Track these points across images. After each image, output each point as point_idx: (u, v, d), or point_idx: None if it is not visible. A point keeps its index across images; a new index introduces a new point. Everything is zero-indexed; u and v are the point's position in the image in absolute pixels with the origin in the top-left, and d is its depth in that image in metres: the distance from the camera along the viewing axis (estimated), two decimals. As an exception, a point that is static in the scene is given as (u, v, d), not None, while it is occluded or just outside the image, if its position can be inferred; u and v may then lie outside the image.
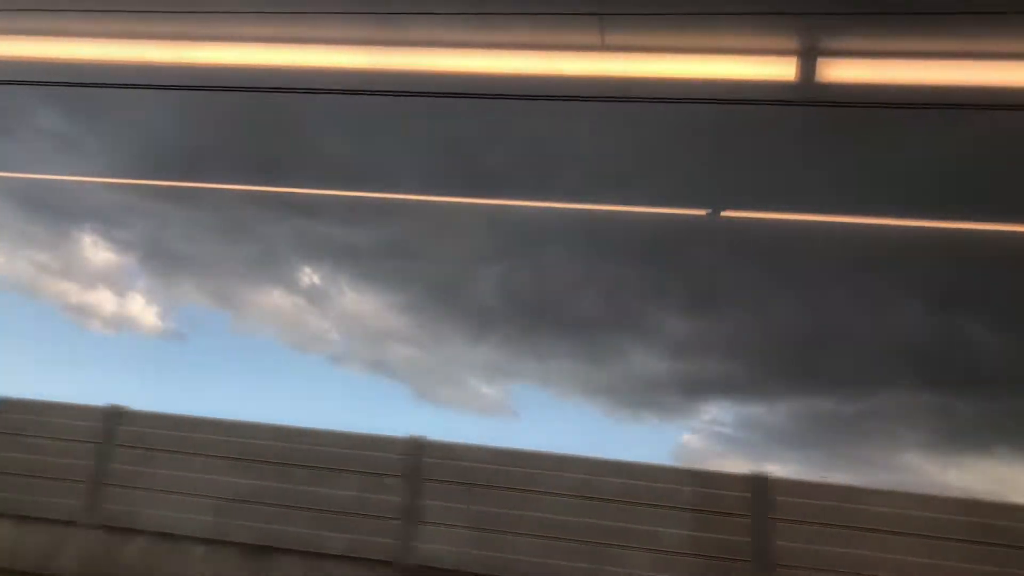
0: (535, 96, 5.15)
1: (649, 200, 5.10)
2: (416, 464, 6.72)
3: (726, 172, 6.00)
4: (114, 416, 7.32)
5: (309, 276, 15.22)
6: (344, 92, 5.11)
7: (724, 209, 4.92)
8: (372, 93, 4.83)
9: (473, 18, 4.99)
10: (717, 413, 16.25)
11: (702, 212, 4.98)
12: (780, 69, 4.74)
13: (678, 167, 6.16)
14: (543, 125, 6.31)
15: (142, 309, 16.46)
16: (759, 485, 6.26)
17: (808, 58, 4.62)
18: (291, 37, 5.28)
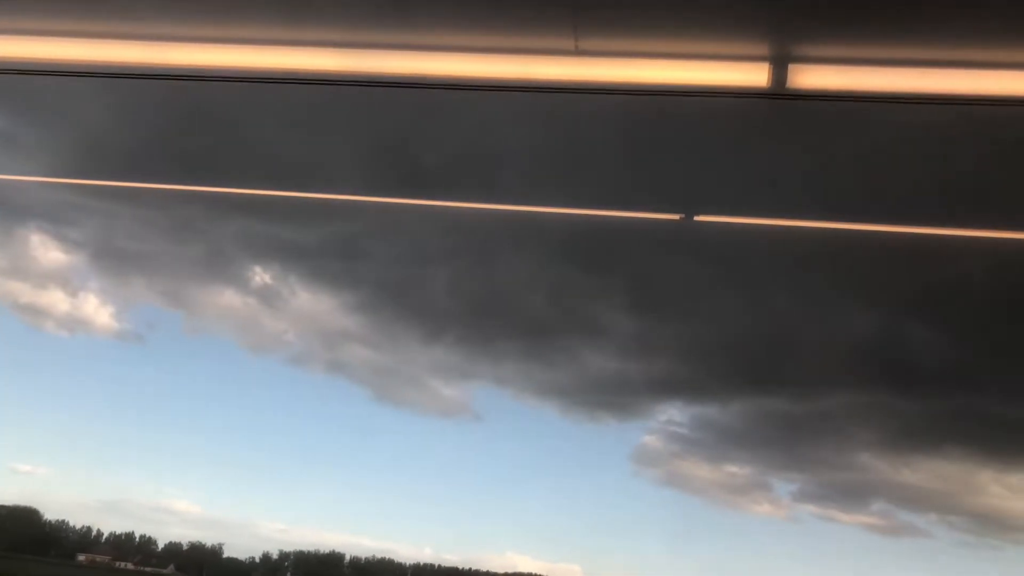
0: (505, 89, 5.12)
1: (620, 204, 5.11)
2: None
3: (697, 177, 6.05)
4: None
5: (260, 276, 14.94)
6: (315, 82, 5.02)
7: (697, 213, 4.96)
8: (348, 84, 4.75)
9: (445, 20, 4.92)
10: (673, 414, 16.47)
11: (675, 216, 5.01)
12: (752, 75, 4.78)
13: (651, 171, 6.19)
14: (507, 128, 6.28)
15: (96, 310, 16.00)
16: None
17: (780, 64, 4.66)
18: (258, 38, 5.16)
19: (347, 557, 15.10)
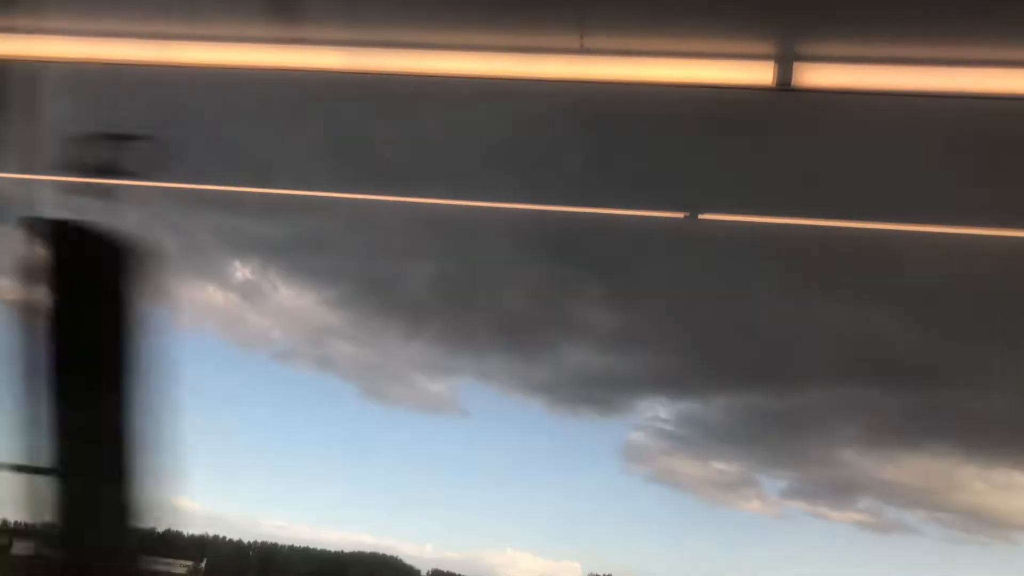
0: (510, 89, 5.13)
1: (625, 202, 5.12)
2: None
3: (702, 175, 6.07)
4: None
5: (240, 271, 14.88)
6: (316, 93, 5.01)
7: (701, 212, 4.99)
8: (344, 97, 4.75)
9: (448, 19, 4.92)
10: (657, 410, 16.47)
11: (680, 214, 5.03)
12: (757, 73, 4.79)
13: (655, 169, 6.22)
14: (512, 125, 6.28)
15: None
16: None
17: (785, 62, 4.68)
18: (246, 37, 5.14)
19: (185, 533, 15.26)
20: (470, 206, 5.23)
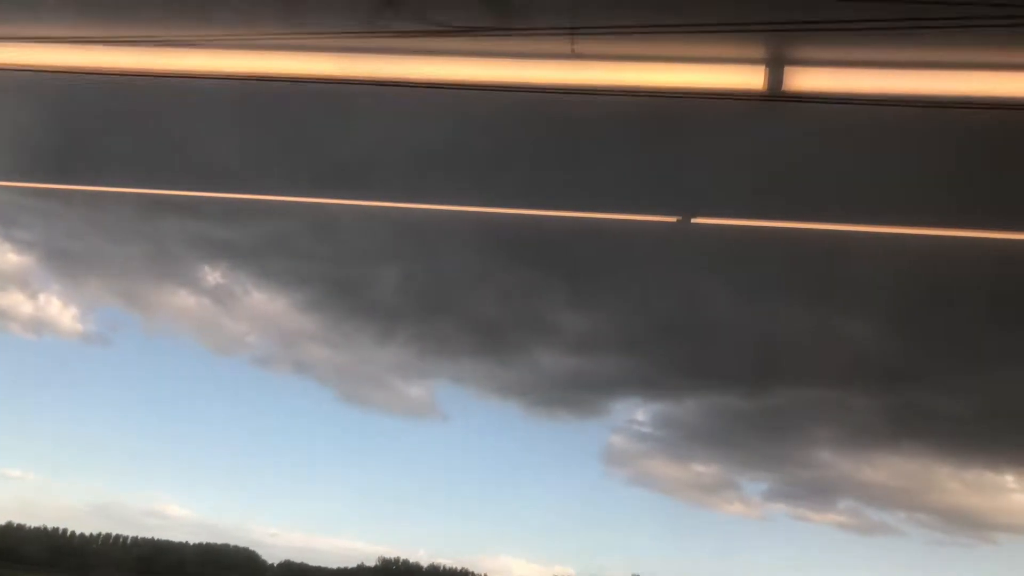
0: (502, 103, 5.11)
1: (617, 207, 5.14)
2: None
3: (694, 180, 6.09)
4: None
5: (211, 275, 14.81)
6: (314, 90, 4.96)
7: (694, 216, 4.99)
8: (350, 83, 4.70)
9: (436, 24, 4.89)
10: (632, 413, 16.48)
11: (672, 219, 5.03)
12: (748, 77, 4.80)
13: (647, 174, 6.23)
14: (504, 131, 6.25)
15: (59, 311, 15.74)
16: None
17: (776, 67, 4.69)
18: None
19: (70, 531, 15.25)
20: (459, 211, 5.22)
